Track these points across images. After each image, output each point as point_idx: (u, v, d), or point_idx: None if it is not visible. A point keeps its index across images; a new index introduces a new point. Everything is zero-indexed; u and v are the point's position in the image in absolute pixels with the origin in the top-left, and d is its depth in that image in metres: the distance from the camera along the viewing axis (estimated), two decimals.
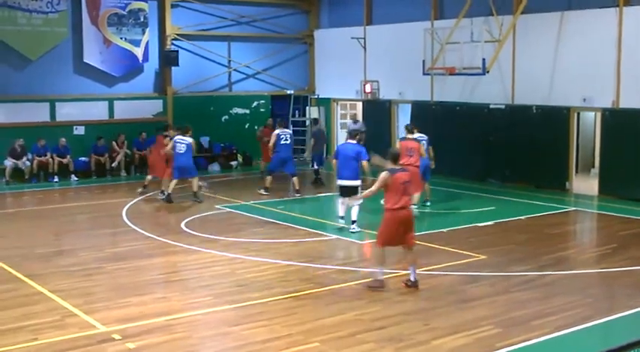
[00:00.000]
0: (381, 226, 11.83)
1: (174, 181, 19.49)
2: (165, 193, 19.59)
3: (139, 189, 20.76)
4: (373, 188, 11.96)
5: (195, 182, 19.69)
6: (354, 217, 15.86)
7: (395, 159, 11.89)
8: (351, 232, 15.77)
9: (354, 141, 16.32)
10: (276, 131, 20.88)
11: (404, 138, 17.97)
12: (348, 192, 15.80)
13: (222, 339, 9.70)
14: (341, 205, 16.25)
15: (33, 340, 9.44)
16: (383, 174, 11.61)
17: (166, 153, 19.74)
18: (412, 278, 11.72)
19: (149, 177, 20.89)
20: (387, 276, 12.13)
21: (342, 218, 16.24)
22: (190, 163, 19.64)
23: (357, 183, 15.88)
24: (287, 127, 22.62)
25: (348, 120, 28.83)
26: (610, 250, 14.44)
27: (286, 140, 20.76)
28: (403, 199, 11.59)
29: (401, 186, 11.53)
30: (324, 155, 23.67)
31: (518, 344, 9.20)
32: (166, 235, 15.71)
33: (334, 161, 16.47)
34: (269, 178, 20.88)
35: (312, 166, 23.31)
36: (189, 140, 19.40)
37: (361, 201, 15.17)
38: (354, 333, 9.66)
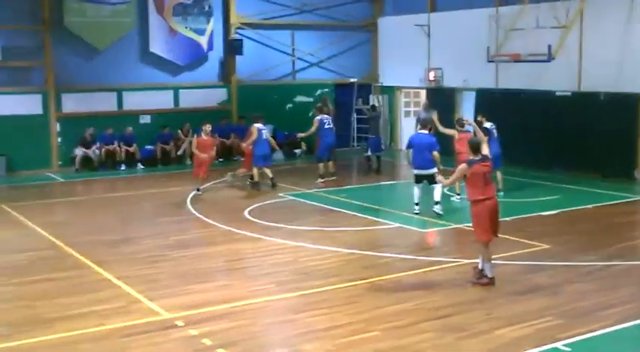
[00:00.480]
0: (473, 221, 11.41)
1: (258, 169, 19.85)
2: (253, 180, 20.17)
3: (229, 178, 21.00)
4: (450, 179, 11.95)
5: (268, 171, 19.90)
6: (437, 198, 16.03)
7: (475, 150, 11.41)
8: (438, 213, 15.96)
9: (426, 131, 16.33)
10: (318, 117, 21.16)
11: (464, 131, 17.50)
12: (424, 179, 15.93)
13: (285, 327, 9.81)
14: (416, 191, 16.26)
15: (99, 325, 9.68)
16: (461, 166, 11.45)
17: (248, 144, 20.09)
18: (489, 274, 11.42)
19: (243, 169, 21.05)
20: (447, 266, 12.10)
21: (417, 205, 16.27)
22: (270, 151, 20.24)
23: (433, 170, 15.86)
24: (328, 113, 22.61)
25: (412, 109, 28.74)
26: None
27: (329, 124, 21.09)
28: (488, 189, 11.31)
29: (481, 177, 11.28)
30: (381, 142, 23.41)
31: (580, 336, 9.09)
32: (230, 223, 15.88)
33: (408, 151, 16.64)
34: (321, 166, 20.97)
35: (367, 153, 23.23)
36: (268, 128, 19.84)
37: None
38: (415, 322, 9.67)
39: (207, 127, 19.77)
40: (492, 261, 11.44)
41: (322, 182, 20.64)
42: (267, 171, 19.79)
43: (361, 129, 27.75)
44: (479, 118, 18.38)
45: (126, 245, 14.28)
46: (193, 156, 20.18)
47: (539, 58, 20.42)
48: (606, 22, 21.23)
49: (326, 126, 20.99)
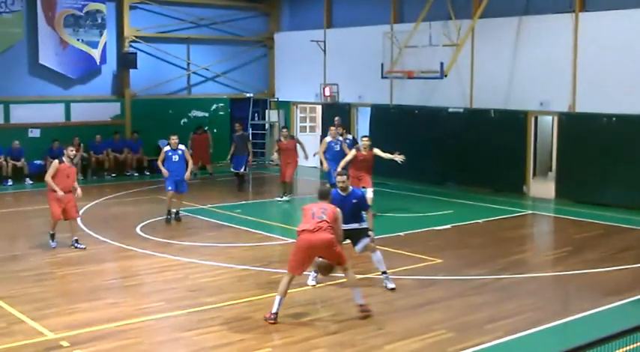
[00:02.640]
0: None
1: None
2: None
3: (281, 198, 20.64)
4: None
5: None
6: None
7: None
8: None
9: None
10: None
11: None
12: None
13: (174, 345, 9.57)
14: None
15: None
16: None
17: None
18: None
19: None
20: (341, 281, 12.08)
21: None
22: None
23: None
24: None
25: (308, 124, 28.87)
26: (565, 253, 14.53)
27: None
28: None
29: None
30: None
31: (470, 349, 9.18)
32: (121, 239, 15.51)
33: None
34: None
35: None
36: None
37: None
38: (307, 338, 9.58)
39: (70, 151, 14.88)
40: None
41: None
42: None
43: (256, 145, 27.63)
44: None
45: (12, 263, 13.73)
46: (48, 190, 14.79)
47: (432, 75, 20.75)
48: (496, 41, 21.78)
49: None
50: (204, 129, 25.57)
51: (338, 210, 10.61)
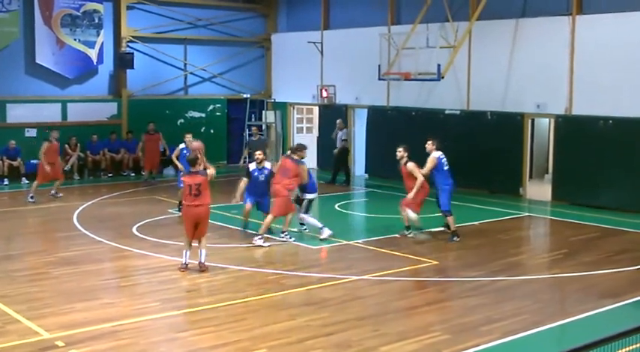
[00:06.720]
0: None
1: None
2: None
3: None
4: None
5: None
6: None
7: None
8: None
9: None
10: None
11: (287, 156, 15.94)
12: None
13: (169, 345, 9.56)
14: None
15: None
16: None
17: None
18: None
19: None
20: (337, 282, 12.08)
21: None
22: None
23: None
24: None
25: (305, 125, 28.90)
26: (561, 255, 14.53)
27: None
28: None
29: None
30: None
31: (467, 350, 9.17)
32: (117, 239, 15.49)
33: None
34: None
35: None
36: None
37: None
38: (303, 339, 9.57)
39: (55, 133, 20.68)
40: (380, 277, 11.45)
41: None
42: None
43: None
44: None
45: (7, 262, 13.68)
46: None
47: (429, 77, 20.76)
48: (493, 43, 21.77)
49: None
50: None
51: None
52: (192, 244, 13.04)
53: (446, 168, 16.02)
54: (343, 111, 26.18)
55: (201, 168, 13.19)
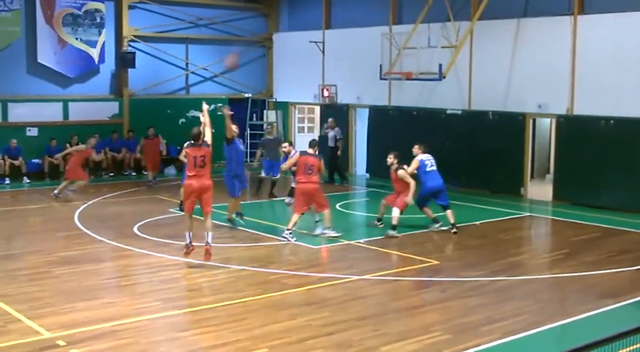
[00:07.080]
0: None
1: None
2: None
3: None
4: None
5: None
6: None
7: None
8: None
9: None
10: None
11: (304, 153, 16.11)
12: None
13: (170, 345, 9.56)
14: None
15: None
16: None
17: None
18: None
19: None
20: (337, 282, 12.07)
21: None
22: None
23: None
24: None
25: (306, 124, 28.89)
26: (562, 256, 14.52)
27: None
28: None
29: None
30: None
31: (467, 350, 9.17)
32: (118, 239, 15.49)
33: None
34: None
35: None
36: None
37: None
38: (303, 339, 9.56)
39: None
40: (381, 276, 11.44)
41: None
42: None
43: (255, 145, 27.58)
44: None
45: (8, 261, 13.68)
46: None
47: (430, 77, 20.75)
48: (495, 43, 21.77)
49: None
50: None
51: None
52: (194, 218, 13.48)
53: (429, 169, 16.67)
54: (344, 111, 26.19)
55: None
